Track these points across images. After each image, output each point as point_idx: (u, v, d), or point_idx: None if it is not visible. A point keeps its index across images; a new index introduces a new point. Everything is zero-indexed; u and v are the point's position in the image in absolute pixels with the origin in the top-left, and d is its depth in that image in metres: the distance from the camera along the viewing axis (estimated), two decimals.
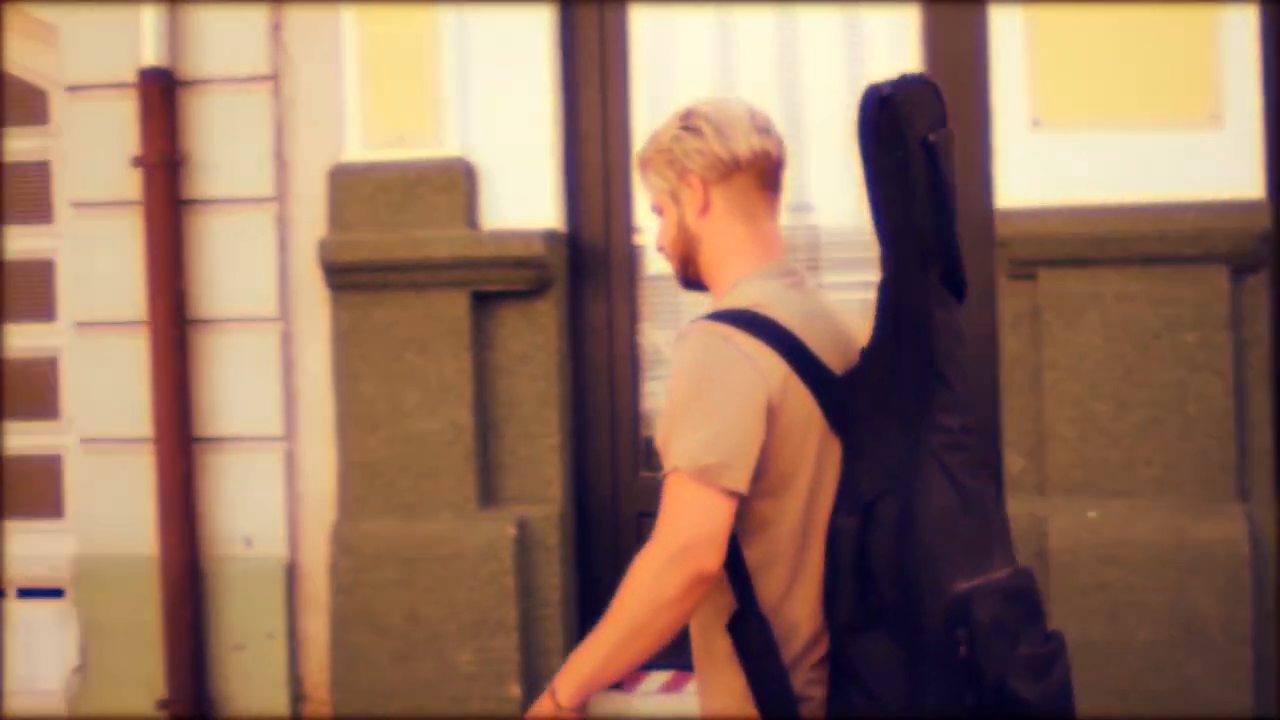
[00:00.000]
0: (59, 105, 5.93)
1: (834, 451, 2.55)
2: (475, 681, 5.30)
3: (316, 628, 5.59)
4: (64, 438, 5.95)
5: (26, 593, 6.04)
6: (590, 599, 5.53)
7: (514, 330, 5.41)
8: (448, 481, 5.37)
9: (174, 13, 5.62)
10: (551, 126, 5.44)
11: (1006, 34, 5.08)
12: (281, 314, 5.63)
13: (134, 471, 5.70)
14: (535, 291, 5.36)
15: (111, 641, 5.76)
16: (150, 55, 5.58)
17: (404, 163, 5.39)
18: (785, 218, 5.30)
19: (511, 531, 5.26)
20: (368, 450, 5.44)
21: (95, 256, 5.77)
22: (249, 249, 5.64)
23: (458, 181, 5.35)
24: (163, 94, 5.58)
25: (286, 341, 5.64)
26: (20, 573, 6.02)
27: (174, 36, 5.62)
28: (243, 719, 5.63)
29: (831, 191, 5.47)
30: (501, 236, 5.33)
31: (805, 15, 5.53)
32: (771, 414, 2.49)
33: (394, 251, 5.35)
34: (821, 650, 2.54)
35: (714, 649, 2.62)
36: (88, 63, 5.74)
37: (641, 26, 5.61)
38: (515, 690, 5.25)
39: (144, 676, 5.68)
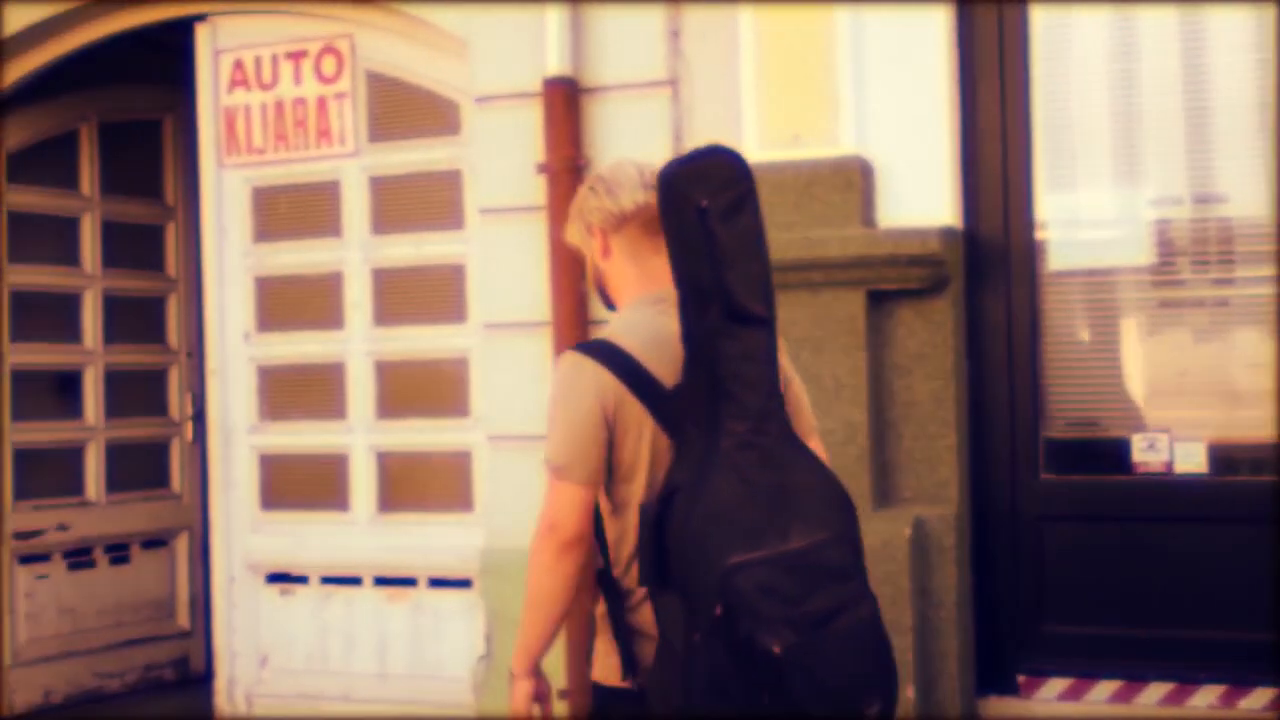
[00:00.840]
0: (469, 116, 6.19)
1: (669, 450, 3.19)
2: None
3: None
4: (473, 434, 6.19)
5: (438, 582, 6.32)
6: (987, 602, 5.44)
7: (910, 329, 5.37)
8: (843, 480, 5.34)
9: (576, 24, 5.80)
10: (948, 123, 5.38)
11: None
12: None
13: (537, 468, 5.86)
14: (932, 289, 5.30)
15: (515, 632, 5.93)
16: (554, 65, 5.77)
17: (799, 162, 5.41)
18: (1189, 211, 5.20)
19: (907, 532, 5.20)
20: None
21: (502, 260, 6.00)
22: None
23: (853, 180, 5.34)
24: (566, 102, 5.76)
25: None
26: (432, 563, 6.30)
27: (576, 46, 5.80)
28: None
29: (1244, 181, 5.24)
30: (897, 234, 5.27)
31: (1212, 8, 5.32)
32: (609, 421, 3.17)
33: (789, 251, 5.35)
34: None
35: (597, 615, 3.32)
36: (495, 74, 5.98)
37: (1041, 24, 5.49)
38: (910, 692, 5.18)
39: (546, 667, 5.82)
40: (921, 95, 5.37)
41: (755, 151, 5.47)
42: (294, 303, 6.68)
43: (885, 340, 5.38)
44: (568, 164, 5.74)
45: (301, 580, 6.63)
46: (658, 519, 3.11)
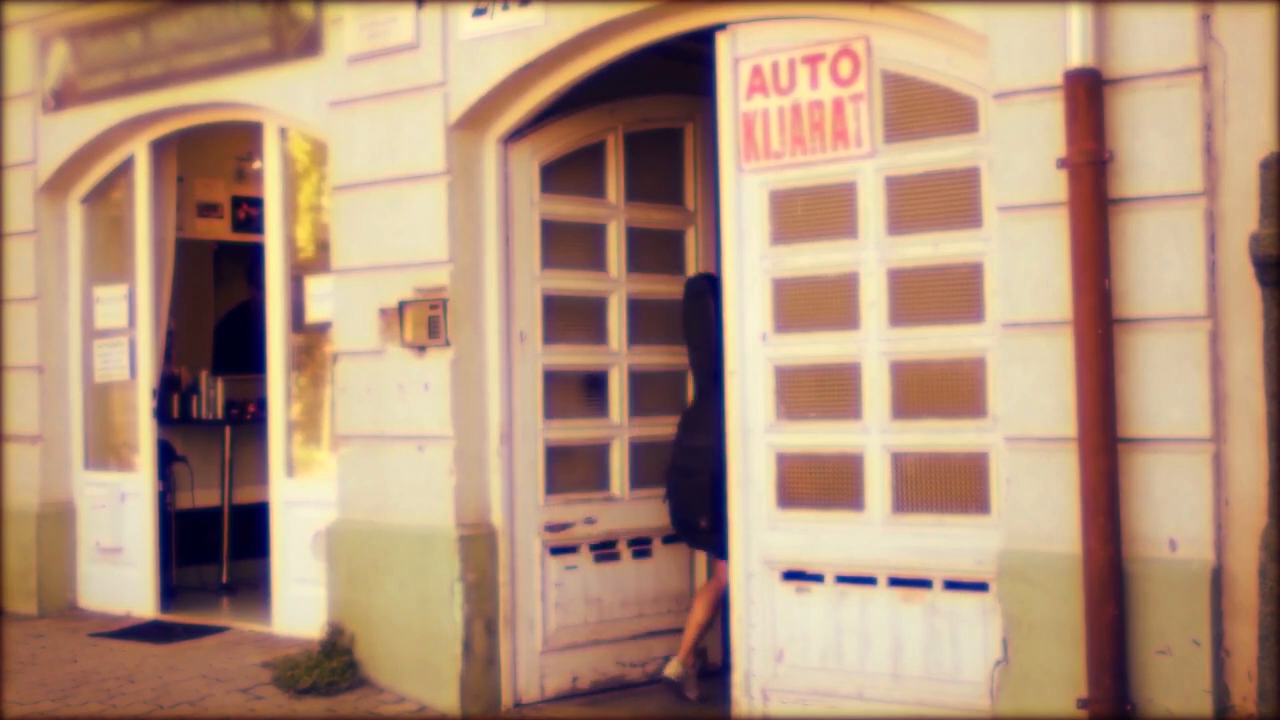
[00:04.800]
0: (986, 112, 6.11)
1: None
2: None
3: (1245, 636, 5.38)
4: (990, 435, 6.11)
5: (953, 585, 6.25)
6: None
7: None
8: None
9: (1099, 13, 5.63)
10: None
11: None
12: (1208, 312, 5.48)
13: (1056, 470, 5.76)
14: None
15: (1033, 637, 5.83)
16: (1076, 56, 5.62)
17: None
18: None
19: None
20: None
21: (1020, 258, 5.90)
22: (1173, 246, 5.54)
23: None
24: (1088, 94, 5.60)
25: (1214, 340, 5.48)
26: (948, 565, 6.25)
27: (1099, 36, 5.63)
28: None
29: None
30: None
31: None
32: None
33: None
34: None
35: None
36: (1015, 69, 5.89)
37: None
38: None
39: (1064, 674, 5.71)
40: None
41: None
42: (810, 304, 6.76)
43: None
44: (1089, 158, 5.58)
45: (817, 578, 6.70)
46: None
